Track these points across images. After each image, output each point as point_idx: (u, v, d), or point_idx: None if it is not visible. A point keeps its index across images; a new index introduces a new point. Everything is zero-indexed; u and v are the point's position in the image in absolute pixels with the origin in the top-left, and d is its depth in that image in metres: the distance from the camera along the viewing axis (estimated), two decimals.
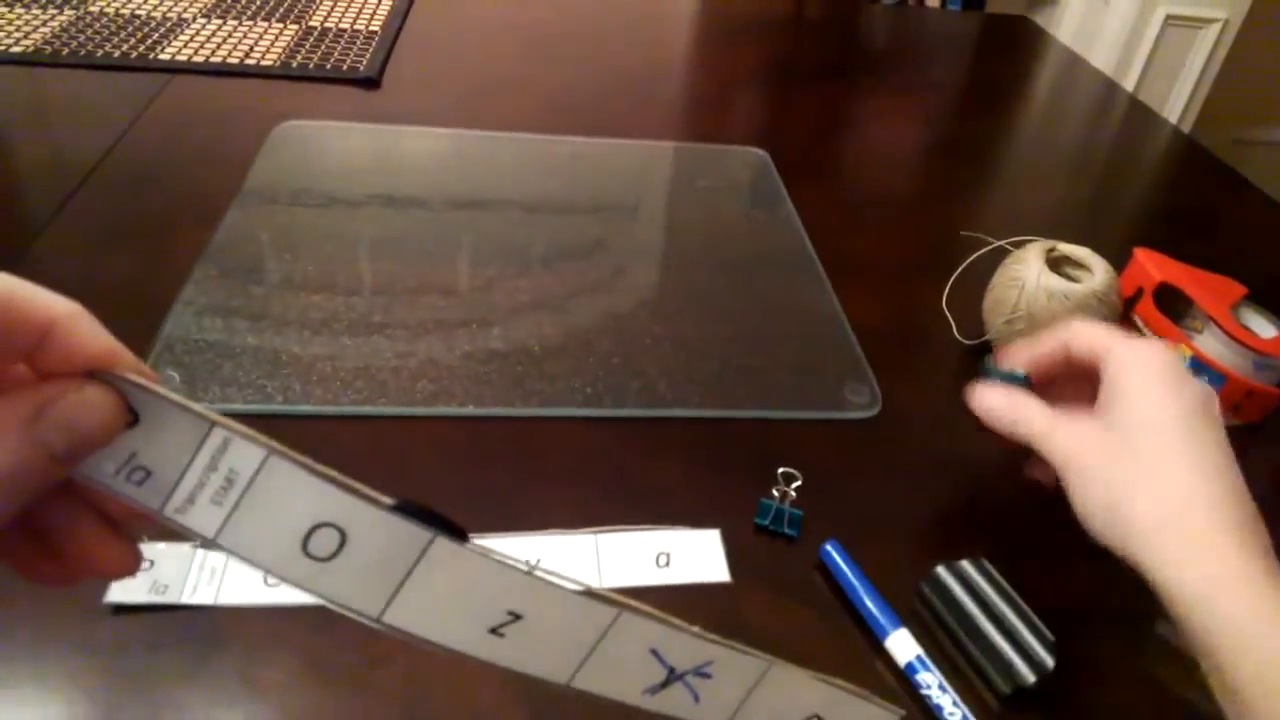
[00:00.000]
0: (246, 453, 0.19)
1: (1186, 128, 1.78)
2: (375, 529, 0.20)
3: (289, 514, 0.20)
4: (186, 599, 0.39)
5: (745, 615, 0.42)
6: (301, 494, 0.20)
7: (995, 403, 0.42)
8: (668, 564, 0.43)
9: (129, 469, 0.20)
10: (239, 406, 0.48)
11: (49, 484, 0.19)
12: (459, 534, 0.20)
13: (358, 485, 0.20)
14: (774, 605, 0.42)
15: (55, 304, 0.19)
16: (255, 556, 0.20)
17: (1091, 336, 0.41)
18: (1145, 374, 0.38)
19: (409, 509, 0.20)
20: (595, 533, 0.44)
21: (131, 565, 0.22)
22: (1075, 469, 0.38)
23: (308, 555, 0.20)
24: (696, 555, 0.44)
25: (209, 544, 0.20)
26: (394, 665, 0.38)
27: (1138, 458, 0.37)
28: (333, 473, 0.20)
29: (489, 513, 0.45)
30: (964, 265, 0.66)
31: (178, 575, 0.39)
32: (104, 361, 0.19)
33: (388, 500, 0.20)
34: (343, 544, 0.20)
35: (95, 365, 0.19)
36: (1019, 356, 0.44)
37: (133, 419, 0.19)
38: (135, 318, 0.53)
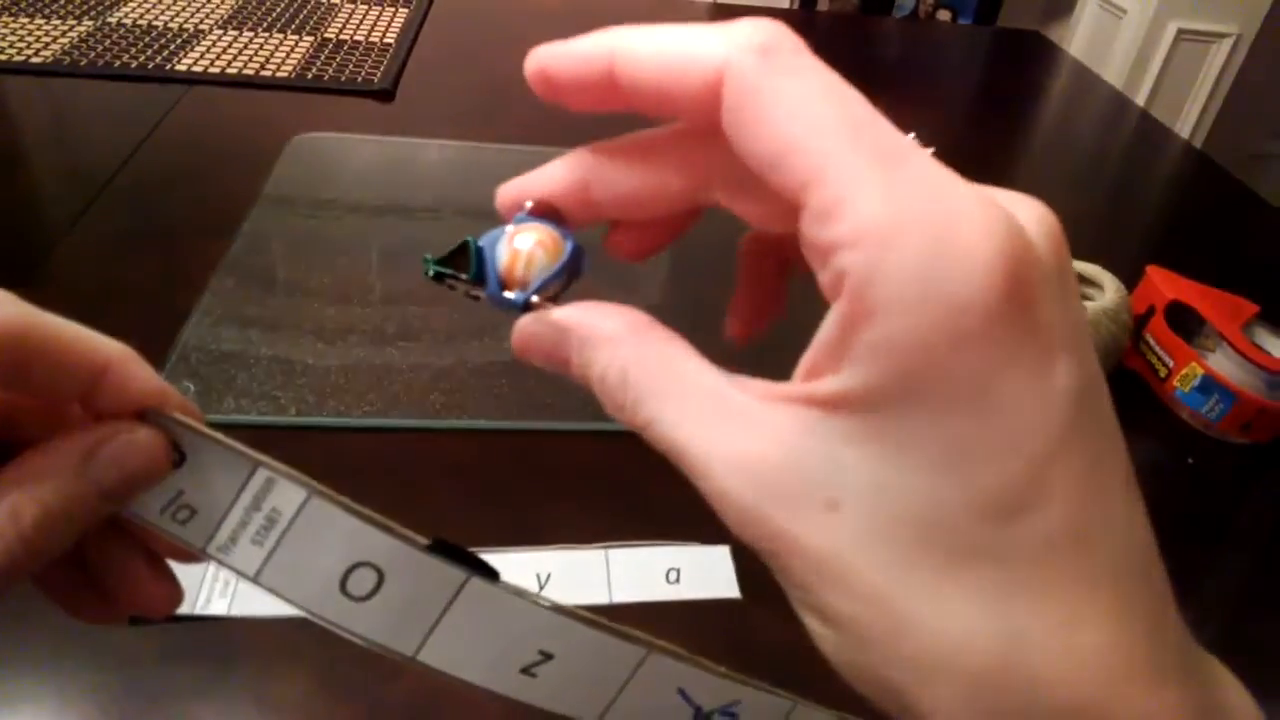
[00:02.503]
0: (288, 493, 0.20)
1: (1199, 142, 1.78)
2: (412, 569, 0.20)
3: (328, 554, 0.20)
4: (200, 610, 0.39)
5: (755, 632, 0.42)
6: (341, 534, 0.20)
7: (527, 343, 0.20)
8: (678, 580, 0.43)
9: (175, 508, 0.20)
10: (253, 418, 0.49)
11: (97, 522, 0.19)
12: (491, 574, 0.20)
13: (395, 525, 0.20)
14: (784, 623, 0.42)
15: (109, 347, 0.20)
16: (294, 595, 0.20)
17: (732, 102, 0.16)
18: (941, 299, 0.14)
19: (444, 549, 0.20)
20: (605, 548, 0.44)
21: (174, 601, 0.22)
22: (783, 551, 0.16)
23: (346, 595, 0.20)
24: (706, 571, 0.44)
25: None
26: (405, 681, 0.38)
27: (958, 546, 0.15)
28: (371, 513, 0.20)
29: (499, 526, 0.45)
30: None
31: (192, 586, 0.40)
32: (153, 402, 0.20)
33: (423, 540, 0.20)
34: (380, 584, 0.20)
35: (145, 406, 0.20)
36: (520, 189, 0.21)
37: (179, 459, 0.20)
38: (152, 327, 0.54)
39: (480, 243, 0.20)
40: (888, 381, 0.15)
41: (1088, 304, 0.56)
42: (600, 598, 0.42)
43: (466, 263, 0.20)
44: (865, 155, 0.15)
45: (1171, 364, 0.58)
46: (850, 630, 0.16)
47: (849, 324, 0.15)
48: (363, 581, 0.20)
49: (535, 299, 0.20)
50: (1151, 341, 0.60)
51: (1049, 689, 0.15)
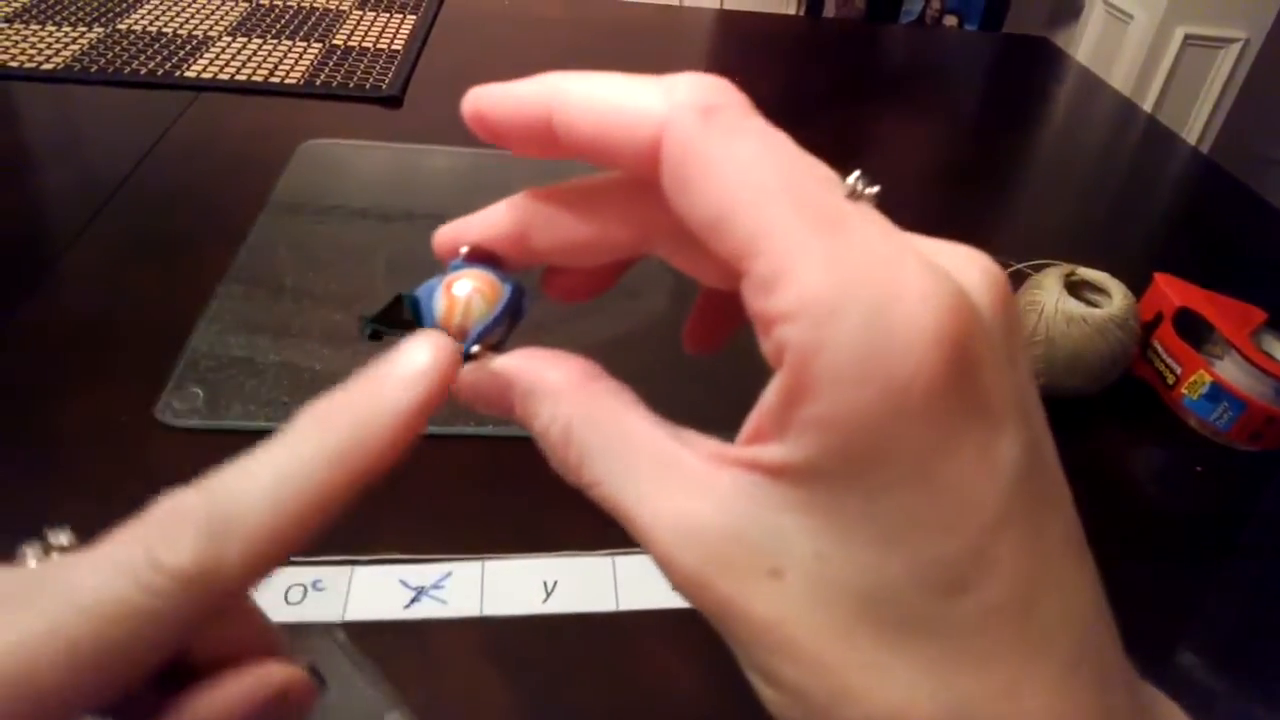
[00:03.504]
0: None
1: (1206, 148, 1.78)
2: None
3: None
4: None
5: None
6: None
7: (470, 393, 0.20)
8: None
9: None
10: (261, 424, 0.49)
11: None
12: None
13: None
14: None
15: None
16: None
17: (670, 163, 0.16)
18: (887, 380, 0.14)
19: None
20: (612, 555, 0.44)
21: None
22: (732, 618, 0.16)
23: None
24: None
25: None
26: (409, 688, 0.38)
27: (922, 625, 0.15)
28: None
29: (505, 534, 0.45)
30: None
31: None
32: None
33: None
34: None
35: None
36: (456, 234, 0.21)
37: (319, 684, 0.19)
38: (160, 333, 0.54)
39: (416, 293, 0.20)
40: (828, 457, 0.14)
41: (1095, 311, 0.55)
42: (607, 604, 0.42)
43: (404, 318, 0.20)
44: (806, 223, 0.15)
45: (1180, 371, 0.58)
46: (794, 695, 0.16)
47: (790, 396, 0.15)
48: None
49: (476, 349, 0.19)
50: (1159, 349, 0.60)
51: None
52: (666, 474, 0.16)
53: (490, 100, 0.18)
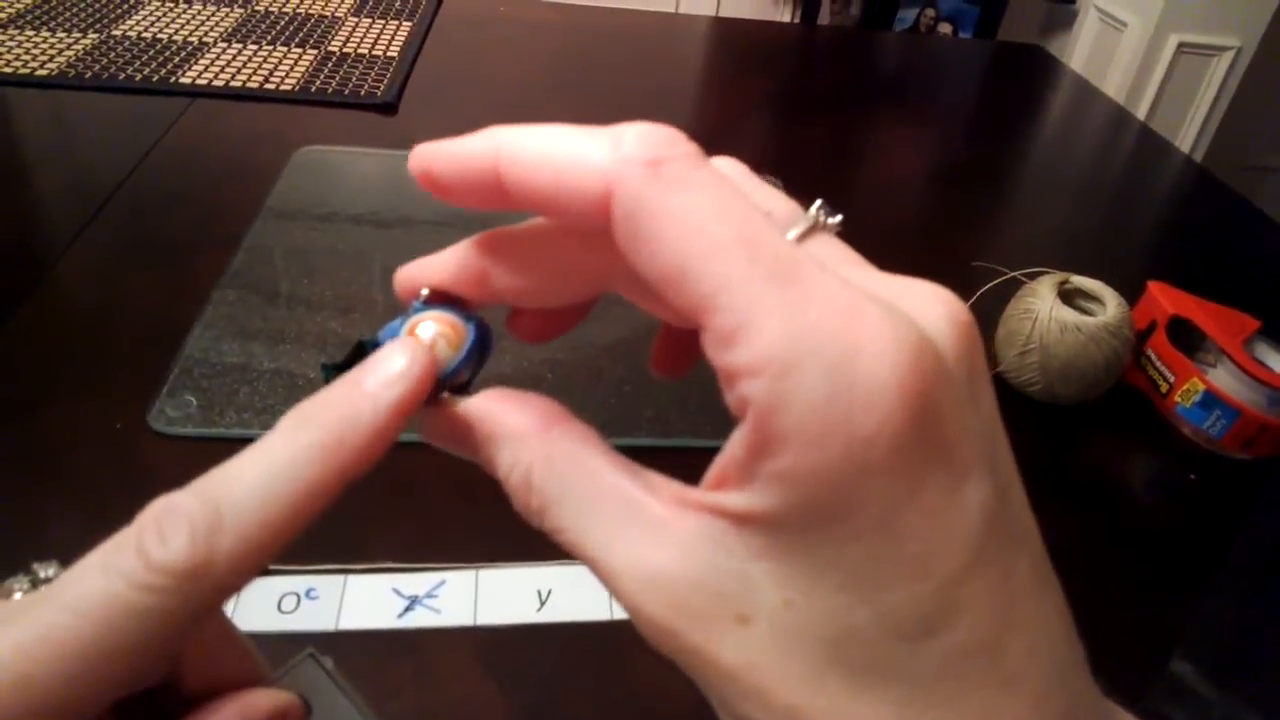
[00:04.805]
0: None
1: (1199, 156, 1.78)
2: None
3: None
4: None
5: None
6: None
7: (435, 436, 0.20)
8: None
9: None
10: (255, 431, 0.49)
11: None
12: None
13: None
14: None
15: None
16: None
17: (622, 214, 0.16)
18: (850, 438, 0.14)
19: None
20: None
21: None
22: (707, 672, 0.16)
23: None
24: None
25: None
26: (403, 696, 0.38)
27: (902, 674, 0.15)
28: None
29: (499, 542, 0.45)
30: (976, 296, 0.66)
31: None
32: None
33: None
34: None
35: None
36: (416, 275, 0.21)
37: (307, 710, 0.19)
38: (154, 341, 0.54)
39: (379, 337, 0.20)
40: (793, 509, 0.15)
41: (1089, 319, 0.56)
42: (601, 613, 0.42)
43: None
44: (762, 275, 0.14)
45: (1173, 379, 0.58)
46: None
47: (755, 449, 0.15)
48: None
49: (445, 395, 0.19)
50: (1153, 357, 0.60)
51: None
52: (629, 521, 0.16)
53: (437, 157, 0.18)
